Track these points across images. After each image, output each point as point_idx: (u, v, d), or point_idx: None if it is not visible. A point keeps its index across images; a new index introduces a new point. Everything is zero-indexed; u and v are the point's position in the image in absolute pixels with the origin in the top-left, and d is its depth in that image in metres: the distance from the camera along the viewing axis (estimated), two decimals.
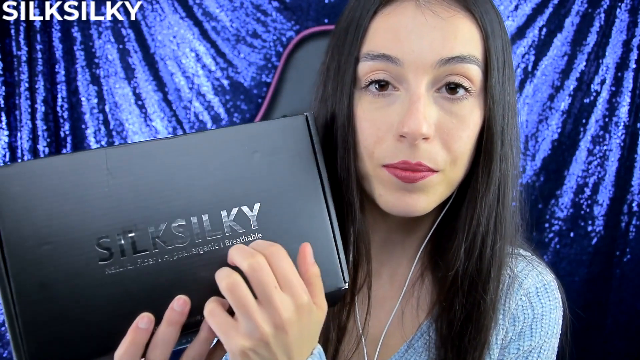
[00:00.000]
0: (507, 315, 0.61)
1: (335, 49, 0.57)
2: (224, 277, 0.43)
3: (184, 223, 0.47)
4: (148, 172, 0.46)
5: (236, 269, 0.44)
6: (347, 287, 0.51)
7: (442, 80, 0.52)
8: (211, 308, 0.44)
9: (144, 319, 0.43)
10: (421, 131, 0.50)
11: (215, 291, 0.45)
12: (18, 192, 0.43)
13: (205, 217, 0.47)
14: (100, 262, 0.44)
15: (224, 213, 0.48)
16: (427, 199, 0.54)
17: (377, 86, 0.53)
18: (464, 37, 0.52)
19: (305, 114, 0.52)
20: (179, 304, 0.44)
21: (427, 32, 0.51)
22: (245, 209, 0.49)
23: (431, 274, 0.62)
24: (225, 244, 0.47)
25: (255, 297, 0.43)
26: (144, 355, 0.44)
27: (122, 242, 0.45)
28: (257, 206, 0.49)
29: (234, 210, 0.48)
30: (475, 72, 0.52)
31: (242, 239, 0.48)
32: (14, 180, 0.43)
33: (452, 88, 0.52)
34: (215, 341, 0.50)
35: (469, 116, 0.53)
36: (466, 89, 0.53)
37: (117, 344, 0.43)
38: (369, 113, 0.53)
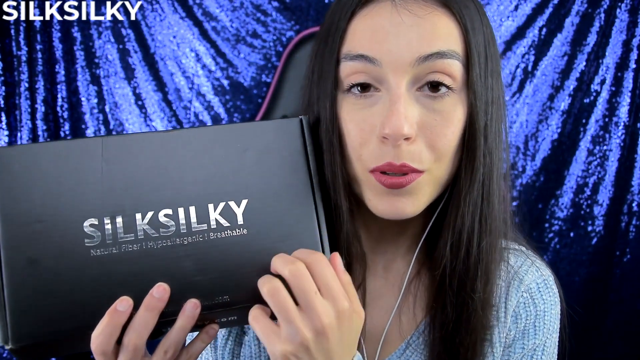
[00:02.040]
0: (509, 313, 0.61)
1: (317, 53, 0.57)
2: (265, 283, 0.45)
3: (171, 213, 0.48)
4: (141, 162, 0.48)
5: (279, 277, 0.46)
6: None
7: (423, 79, 0.52)
8: (255, 314, 0.46)
9: (122, 302, 0.44)
10: (402, 132, 0.50)
11: (195, 283, 0.47)
12: (18, 171, 0.46)
13: (192, 209, 0.49)
14: (86, 244, 0.46)
15: (211, 206, 0.49)
16: (415, 201, 0.54)
17: (359, 88, 0.53)
18: (442, 33, 0.51)
19: (300, 117, 0.53)
20: (159, 291, 0.45)
21: (404, 31, 0.51)
22: (232, 204, 0.50)
23: (428, 272, 0.63)
24: (209, 237, 0.49)
25: (297, 303, 0.44)
26: (120, 338, 0.45)
27: (109, 226, 0.47)
28: (244, 202, 0.50)
29: (221, 205, 0.49)
30: (456, 67, 0.52)
31: (227, 233, 0.49)
32: (15, 159, 0.46)
33: (434, 86, 0.52)
34: (195, 336, 0.50)
35: (452, 112, 0.53)
36: (447, 86, 0.52)
37: (97, 323, 0.45)
38: (352, 114, 0.54)
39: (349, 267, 0.58)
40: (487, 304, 0.59)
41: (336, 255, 0.49)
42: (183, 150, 0.49)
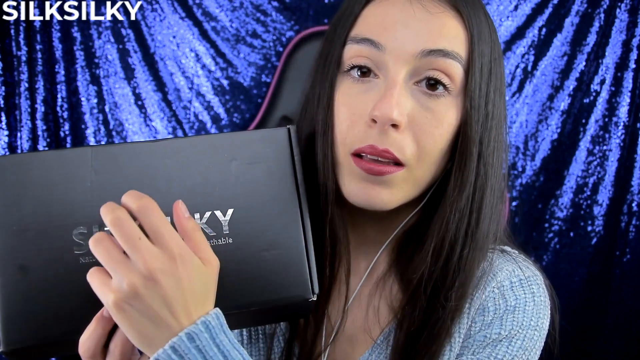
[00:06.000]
0: (473, 306, 0.60)
1: (327, 37, 0.59)
2: (93, 239, 0.44)
3: None
4: (129, 172, 0.49)
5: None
6: (315, 299, 0.52)
7: (423, 74, 0.53)
8: (91, 271, 0.44)
9: None
10: (391, 116, 0.50)
11: None
12: (11, 180, 0.47)
13: None
14: (75, 252, 0.47)
15: (197, 215, 0.50)
16: (390, 193, 0.54)
17: (359, 72, 0.54)
18: (449, 33, 0.53)
19: (288, 126, 0.54)
20: None
21: (413, 23, 0.52)
22: (218, 213, 0.50)
23: (401, 273, 0.62)
24: None
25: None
26: (107, 344, 0.46)
27: None
28: (230, 212, 0.50)
29: (207, 214, 0.50)
30: (456, 69, 0.52)
31: (213, 242, 0.50)
32: (8, 169, 0.47)
33: (432, 84, 0.53)
34: None
35: (444, 114, 0.53)
36: (445, 87, 0.53)
37: (85, 329, 0.45)
38: (347, 98, 0.54)
39: (333, 250, 0.59)
40: (456, 314, 0.58)
41: (178, 202, 0.47)
42: (170, 160, 0.50)
